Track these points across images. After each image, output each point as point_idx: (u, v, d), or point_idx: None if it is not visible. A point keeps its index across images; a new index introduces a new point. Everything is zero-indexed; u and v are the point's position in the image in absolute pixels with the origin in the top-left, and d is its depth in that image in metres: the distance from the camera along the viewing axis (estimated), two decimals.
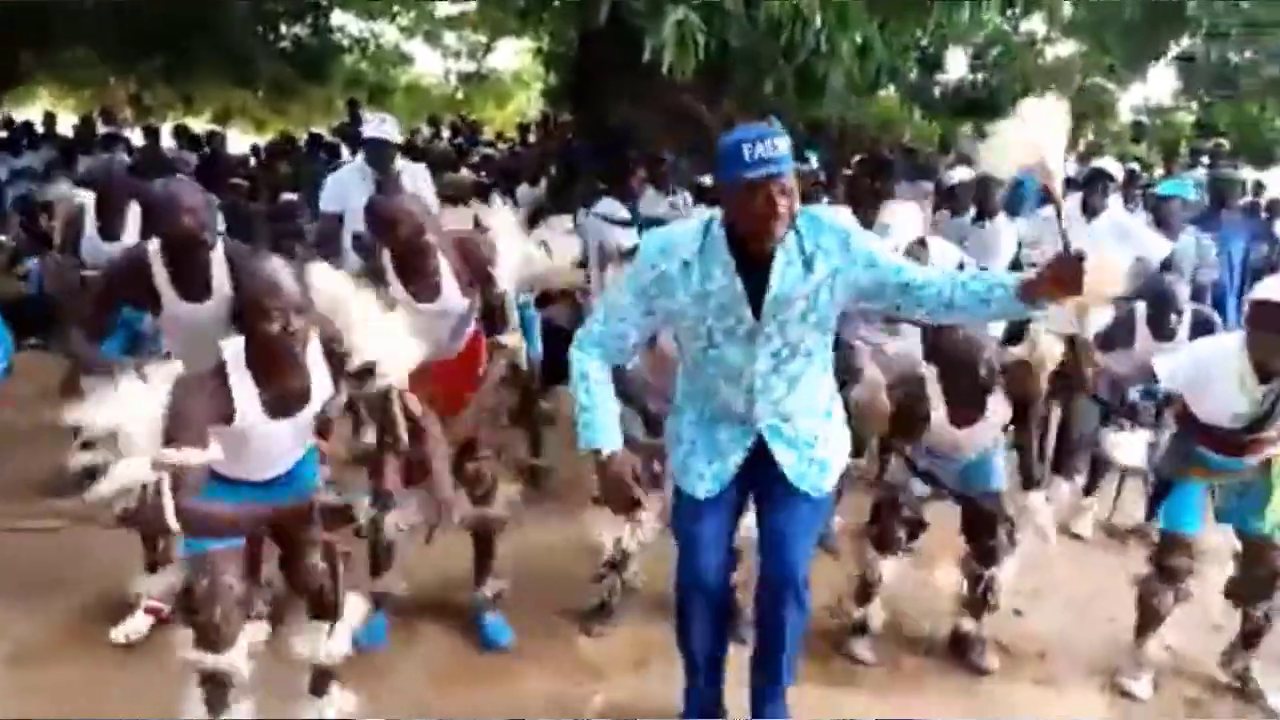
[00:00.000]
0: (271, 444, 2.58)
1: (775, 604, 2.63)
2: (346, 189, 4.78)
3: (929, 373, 3.28)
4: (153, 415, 2.36)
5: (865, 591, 3.44)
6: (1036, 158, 2.38)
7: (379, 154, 4.79)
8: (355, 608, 2.77)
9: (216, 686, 2.57)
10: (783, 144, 2.28)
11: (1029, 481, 3.38)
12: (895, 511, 3.39)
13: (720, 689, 2.85)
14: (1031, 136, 2.37)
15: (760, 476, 2.62)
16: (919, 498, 3.42)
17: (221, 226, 6.07)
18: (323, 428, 2.69)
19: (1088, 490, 4.76)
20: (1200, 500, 3.27)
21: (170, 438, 2.33)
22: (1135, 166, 8.99)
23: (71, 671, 3.18)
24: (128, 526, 3.17)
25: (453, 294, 3.20)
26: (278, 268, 2.46)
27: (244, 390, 2.46)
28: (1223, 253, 5.77)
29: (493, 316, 3.30)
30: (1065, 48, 13.26)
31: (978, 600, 3.41)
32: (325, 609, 2.69)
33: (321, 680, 2.81)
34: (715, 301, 2.42)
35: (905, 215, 4.54)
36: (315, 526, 2.43)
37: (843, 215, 2.53)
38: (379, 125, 4.92)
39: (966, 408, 3.22)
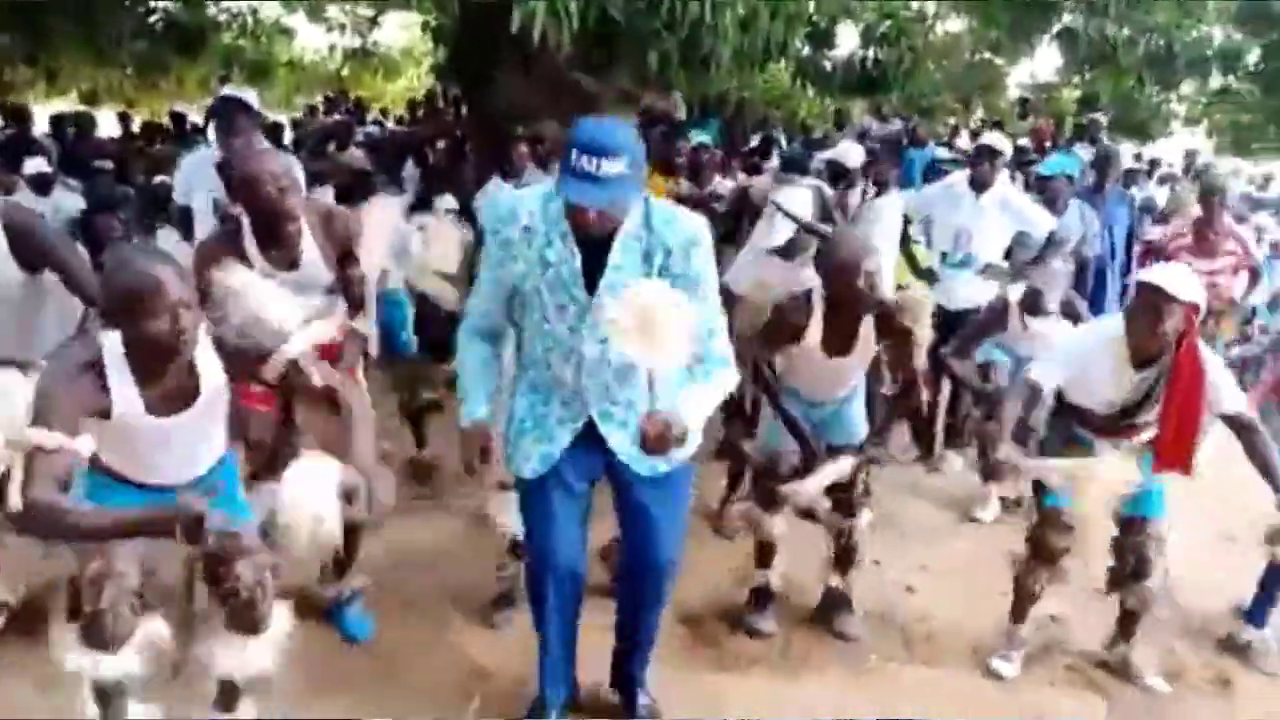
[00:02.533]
0: (166, 444, 2.36)
1: (631, 586, 2.70)
2: (196, 178, 3.97)
3: (816, 285, 3.21)
4: (16, 401, 2.20)
5: (764, 555, 3.43)
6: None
7: (231, 119, 3.85)
8: (282, 620, 2.55)
9: (111, 694, 2.37)
10: (615, 164, 2.17)
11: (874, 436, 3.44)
12: (774, 470, 3.35)
13: (572, 661, 2.82)
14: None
15: (604, 456, 2.56)
16: (792, 451, 3.35)
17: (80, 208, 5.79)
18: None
19: (986, 475, 4.79)
20: None
21: (36, 421, 2.11)
22: (1025, 142, 9.20)
23: None
24: None
25: (315, 265, 3.00)
26: (156, 258, 2.21)
27: (122, 384, 2.24)
28: (1105, 227, 5.88)
29: (349, 297, 3.11)
30: (955, 24, 13.52)
31: (842, 554, 3.45)
32: (247, 621, 2.47)
33: (230, 695, 2.60)
34: (552, 272, 2.36)
35: (797, 199, 4.48)
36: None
37: (697, 223, 2.43)
38: (233, 89, 4.31)
39: (840, 334, 3.18)
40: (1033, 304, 4.08)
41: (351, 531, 3.22)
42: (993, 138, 5.24)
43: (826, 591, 3.51)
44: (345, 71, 14.01)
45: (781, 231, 4.36)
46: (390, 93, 15.47)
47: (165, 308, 2.14)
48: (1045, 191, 5.37)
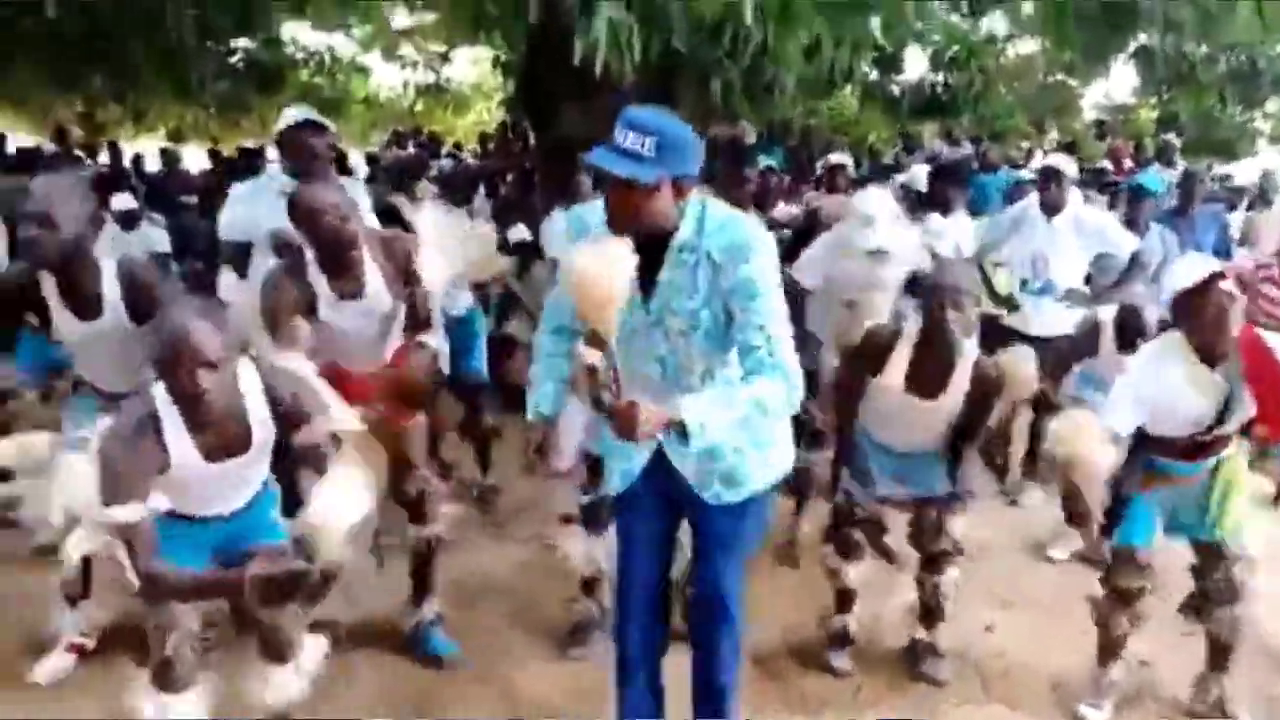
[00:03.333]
0: (220, 485, 2.48)
1: (699, 620, 2.58)
2: (254, 207, 3.55)
3: (910, 315, 3.12)
4: (86, 477, 2.30)
5: (843, 601, 3.37)
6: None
7: (299, 145, 3.50)
8: (314, 649, 2.65)
9: None
10: (641, 141, 2.10)
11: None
12: (850, 515, 3.28)
13: (655, 686, 2.66)
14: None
15: (680, 483, 2.47)
16: (877, 500, 3.28)
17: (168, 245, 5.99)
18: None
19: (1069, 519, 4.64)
20: (1150, 514, 3.09)
21: (109, 496, 2.23)
22: (1104, 164, 8.97)
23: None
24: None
25: (379, 292, 3.05)
26: (189, 316, 2.28)
27: (177, 438, 2.34)
28: (1192, 248, 5.66)
29: (415, 315, 3.14)
30: (1026, 45, 13.29)
31: (929, 609, 3.33)
32: (276, 650, 2.57)
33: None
34: None
35: (879, 201, 4.37)
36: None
37: (749, 228, 2.29)
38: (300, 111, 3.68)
39: (928, 373, 3.05)
40: (1129, 324, 3.82)
41: (426, 560, 3.29)
42: (1057, 159, 5.09)
43: (912, 643, 3.41)
44: (418, 107, 14.30)
45: (869, 234, 4.21)
46: (461, 127, 15.75)
47: (186, 367, 2.22)
48: (1132, 208, 5.21)
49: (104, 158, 10.78)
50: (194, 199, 8.34)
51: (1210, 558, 3.04)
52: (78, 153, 11.20)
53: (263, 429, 2.45)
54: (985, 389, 3.07)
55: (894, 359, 3.07)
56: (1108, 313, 3.98)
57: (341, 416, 2.56)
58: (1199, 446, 2.99)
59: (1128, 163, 9.75)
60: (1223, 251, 5.95)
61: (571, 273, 2.16)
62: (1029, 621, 3.69)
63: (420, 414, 3.28)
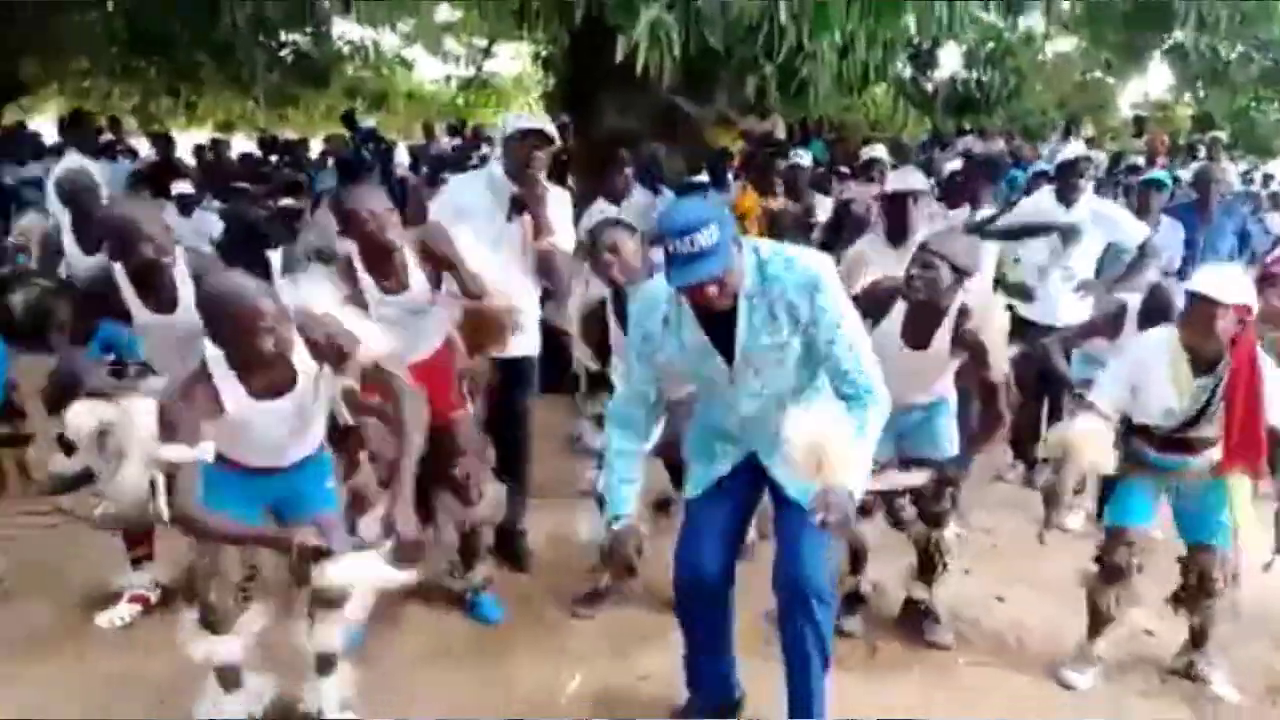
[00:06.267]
0: (267, 428, 2.69)
1: (788, 614, 2.68)
2: (466, 199, 3.77)
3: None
4: (147, 420, 2.59)
5: (855, 561, 3.53)
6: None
7: (521, 150, 3.64)
8: (360, 599, 2.82)
9: (228, 668, 2.76)
10: (706, 236, 2.28)
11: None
12: None
13: (726, 664, 2.93)
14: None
15: (769, 483, 2.71)
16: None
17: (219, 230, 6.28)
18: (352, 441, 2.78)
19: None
20: (1147, 497, 3.26)
21: (165, 438, 2.48)
22: (1138, 161, 9.02)
23: (64, 659, 3.27)
24: (107, 529, 3.38)
25: (420, 286, 3.27)
26: (248, 285, 2.54)
27: (228, 385, 2.58)
28: (1208, 248, 5.77)
29: (465, 289, 3.33)
30: (1063, 43, 13.31)
31: (926, 565, 3.50)
32: (325, 599, 2.77)
33: (326, 662, 2.90)
34: (692, 354, 2.54)
35: (907, 173, 4.52)
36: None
37: (814, 261, 2.51)
38: (528, 118, 3.96)
39: (920, 325, 3.22)
40: (1155, 309, 3.86)
41: (473, 531, 3.55)
42: (1075, 148, 5.22)
43: (908, 600, 3.60)
44: (460, 100, 14.55)
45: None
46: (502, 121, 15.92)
47: (267, 330, 2.48)
48: (1141, 199, 5.35)
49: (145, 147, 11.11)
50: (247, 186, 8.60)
51: (1198, 556, 3.21)
52: (131, 143, 11.62)
53: (305, 368, 2.67)
54: (967, 347, 3.22)
55: (894, 311, 3.25)
56: (1135, 299, 4.12)
57: (375, 343, 2.73)
58: (1176, 442, 3.15)
59: (1163, 159, 9.79)
60: (1242, 248, 6.06)
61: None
62: (1041, 595, 3.84)
63: (466, 405, 3.51)
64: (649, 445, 2.87)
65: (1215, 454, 3.11)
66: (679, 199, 2.55)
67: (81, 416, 3.10)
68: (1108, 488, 3.40)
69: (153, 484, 2.74)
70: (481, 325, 3.45)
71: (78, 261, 4.34)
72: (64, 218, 4.52)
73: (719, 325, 2.49)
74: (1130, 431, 3.25)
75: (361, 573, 2.65)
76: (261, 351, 2.50)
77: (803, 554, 2.62)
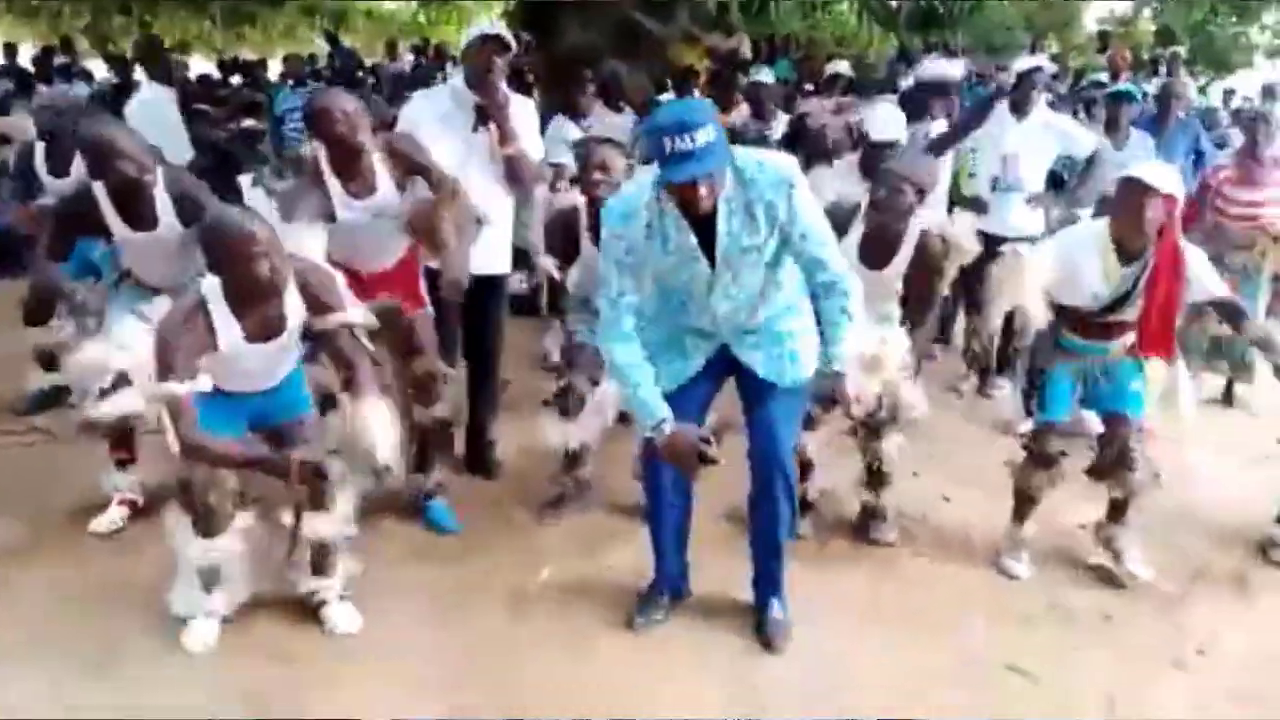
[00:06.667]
0: (257, 364, 2.85)
1: (764, 486, 2.89)
2: (429, 113, 3.75)
3: (863, 195, 3.38)
4: (142, 350, 2.73)
5: (802, 470, 3.63)
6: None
7: (479, 56, 3.65)
8: (345, 503, 2.99)
9: (211, 570, 2.92)
10: (703, 134, 2.36)
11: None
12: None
13: (684, 558, 3.16)
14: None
15: (737, 371, 2.86)
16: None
17: (191, 152, 6.26)
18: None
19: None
20: (1067, 387, 3.44)
21: (162, 372, 2.61)
22: (1103, 76, 9.07)
23: (60, 567, 3.39)
24: (89, 434, 3.47)
25: (387, 191, 3.34)
26: (244, 215, 2.66)
27: (224, 323, 2.71)
28: (1163, 160, 5.90)
29: (433, 183, 3.39)
30: None
31: (873, 473, 3.66)
32: (319, 501, 2.92)
33: (322, 557, 3.05)
34: (675, 255, 2.63)
35: (886, 115, 4.61)
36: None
37: (785, 163, 2.61)
38: (486, 25, 3.95)
39: (879, 246, 3.36)
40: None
41: (430, 433, 3.64)
42: (1028, 61, 5.29)
43: (863, 506, 3.76)
44: (422, 18, 14.31)
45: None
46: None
47: (262, 255, 2.59)
48: (1110, 112, 5.46)
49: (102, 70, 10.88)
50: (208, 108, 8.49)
51: (1114, 427, 3.39)
52: (85, 65, 11.36)
53: (295, 314, 2.81)
54: (928, 257, 3.40)
55: (850, 233, 3.38)
56: (1086, 213, 4.27)
57: (357, 315, 2.89)
58: (1098, 327, 3.32)
59: (1126, 74, 9.85)
60: (1198, 156, 6.20)
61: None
62: (985, 495, 4.03)
63: (426, 304, 3.60)
64: None
65: (1131, 338, 3.29)
66: (662, 108, 2.58)
67: (94, 360, 3.20)
68: (1035, 381, 3.57)
69: (155, 417, 2.83)
70: (436, 222, 3.41)
71: (51, 185, 4.38)
72: (38, 144, 4.52)
73: (698, 230, 2.58)
74: (1056, 319, 3.40)
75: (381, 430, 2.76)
76: (258, 279, 2.61)
77: (778, 434, 2.82)
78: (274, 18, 12.87)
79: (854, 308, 2.68)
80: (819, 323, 2.78)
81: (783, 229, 2.59)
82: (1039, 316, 3.32)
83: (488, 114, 3.67)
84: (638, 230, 2.60)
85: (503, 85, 3.71)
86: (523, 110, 3.81)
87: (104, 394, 3.22)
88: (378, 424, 2.76)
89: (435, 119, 3.68)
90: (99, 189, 3.21)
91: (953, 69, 5.87)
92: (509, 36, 3.71)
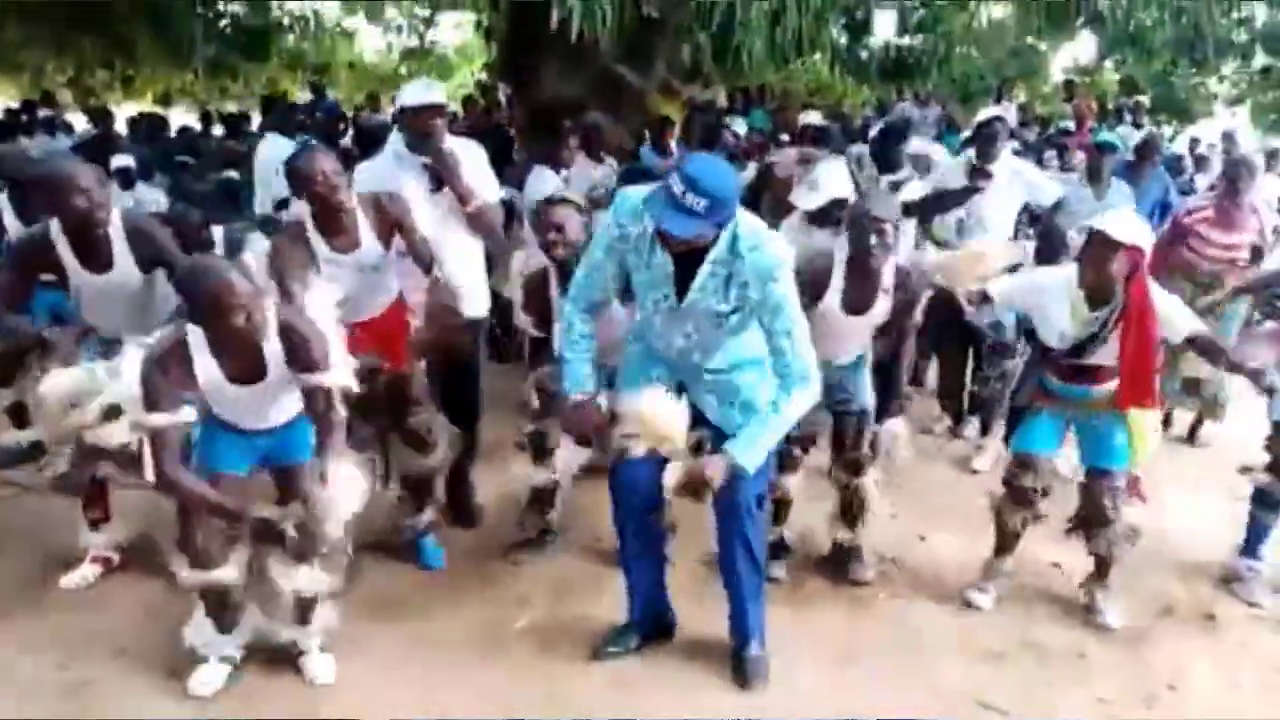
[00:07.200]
0: (246, 403, 2.90)
1: (727, 535, 2.97)
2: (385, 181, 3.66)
3: (839, 246, 3.42)
4: (130, 386, 2.77)
5: (779, 511, 3.68)
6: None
7: (420, 121, 3.69)
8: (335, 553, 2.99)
9: (222, 607, 2.97)
10: (714, 205, 2.44)
11: (889, 402, 3.62)
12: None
13: (662, 598, 3.22)
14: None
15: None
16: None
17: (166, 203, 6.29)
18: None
19: (984, 428, 5.13)
20: (1051, 426, 3.48)
21: (149, 403, 2.68)
22: (1069, 125, 9.29)
23: (31, 619, 3.37)
24: (61, 493, 3.48)
25: (370, 245, 3.40)
26: (223, 265, 2.72)
27: (204, 363, 2.77)
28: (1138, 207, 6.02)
29: (419, 259, 3.47)
30: (997, 9, 13.57)
31: (848, 509, 3.68)
32: (302, 550, 2.92)
33: (305, 608, 3.05)
34: (652, 273, 2.71)
35: (830, 172, 4.71)
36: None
37: (778, 251, 2.67)
38: (422, 90, 3.85)
39: (860, 292, 3.37)
40: (1049, 247, 4.30)
41: (424, 477, 3.70)
42: (992, 111, 5.41)
43: (835, 544, 3.78)
44: (403, 70, 14.50)
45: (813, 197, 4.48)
46: (445, 90, 15.89)
47: (239, 306, 2.64)
48: (1093, 161, 5.56)
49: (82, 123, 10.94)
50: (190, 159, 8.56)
51: (1093, 481, 3.42)
52: (67, 118, 11.45)
53: (276, 363, 2.83)
54: (905, 292, 3.44)
55: (832, 285, 3.39)
56: (1030, 246, 4.38)
57: (342, 376, 2.88)
58: (1072, 369, 3.35)
59: (1091, 122, 10.12)
60: (1164, 207, 6.34)
61: (637, 412, 2.72)
62: (958, 535, 4.09)
63: (419, 360, 3.64)
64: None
65: (1112, 385, 3.30)
66: (699, 158, 2.64)
67: (58, 383, 3.07)
68: (1016, 419, 3.63)
69: (139, 447, 2.89)
70: (435, 318, 3.60)
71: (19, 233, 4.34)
72: (2, 194, 4.49)
73: (682, 262, 2.65)
74: (1036, 362, 3.47)
75: (343, 500, 2.75)
76: (235, 328, 2.65)
77: (737, 483, 2.80)
78: (257, 71, 13.03)
79: (789, 408, 2.72)
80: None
81: (752, 310, 2.68)
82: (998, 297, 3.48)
83: (439, 177, 3.72)
84: (634, 229, 2.70)
85: (445, 144, 3.73)
86: (467, 155, 3.82)
87: (79, 444, 3.20)
88: (340, 491, 2.74)
89: (386, 187, 3.65)
90: (54, 226, 3.21)
91: (915, 112, 6.02)
92: (443, 99, 3.82)
